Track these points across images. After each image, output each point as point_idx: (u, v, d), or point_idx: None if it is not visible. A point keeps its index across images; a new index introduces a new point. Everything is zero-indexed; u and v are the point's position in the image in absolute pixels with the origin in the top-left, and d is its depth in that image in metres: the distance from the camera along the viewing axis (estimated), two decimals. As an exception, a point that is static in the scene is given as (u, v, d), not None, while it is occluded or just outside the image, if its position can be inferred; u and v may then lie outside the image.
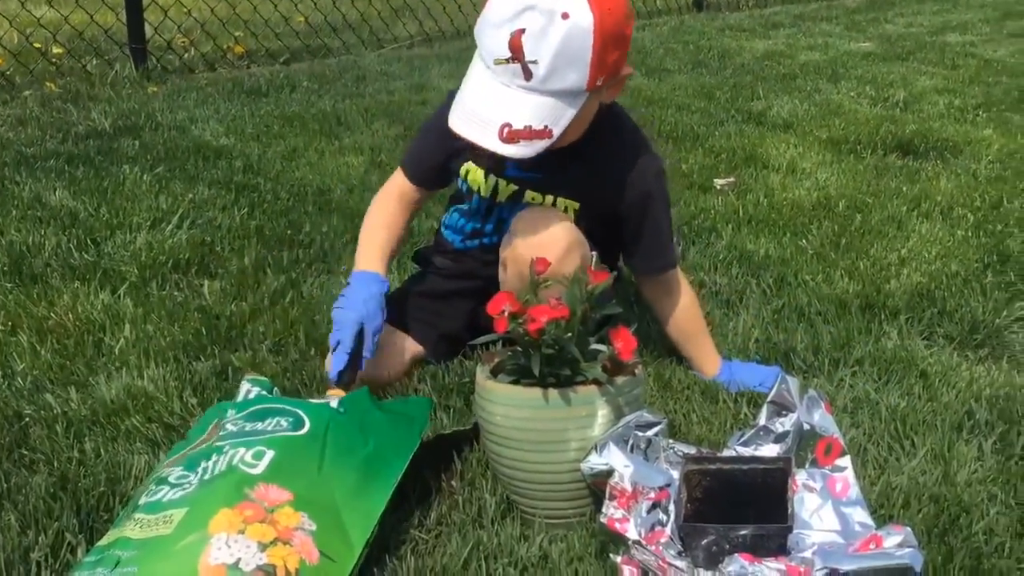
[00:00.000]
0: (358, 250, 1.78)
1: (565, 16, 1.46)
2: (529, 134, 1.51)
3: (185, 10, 4.86)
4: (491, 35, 1.51)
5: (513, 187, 1.72)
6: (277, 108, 3.75)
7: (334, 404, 1.43)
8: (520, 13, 1.47)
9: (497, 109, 1.51)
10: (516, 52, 1.48)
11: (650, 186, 1.73)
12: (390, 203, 1.84)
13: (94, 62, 4.28)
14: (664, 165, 1.79)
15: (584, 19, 1.47)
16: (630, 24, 1.56)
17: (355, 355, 1.63)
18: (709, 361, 1.80)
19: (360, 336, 1.63)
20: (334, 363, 1.63)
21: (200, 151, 3.13)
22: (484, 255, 1.81)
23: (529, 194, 1.72)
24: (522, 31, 1.47)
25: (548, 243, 1.60)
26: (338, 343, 1.62)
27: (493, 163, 1.71)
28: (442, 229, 1.90)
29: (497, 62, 1.50)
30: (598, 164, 1.69)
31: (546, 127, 1.51)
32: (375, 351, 1.66)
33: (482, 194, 1.74)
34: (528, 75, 1.49)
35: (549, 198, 1.71)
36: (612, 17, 1.50)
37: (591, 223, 1.71)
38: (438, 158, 1.78)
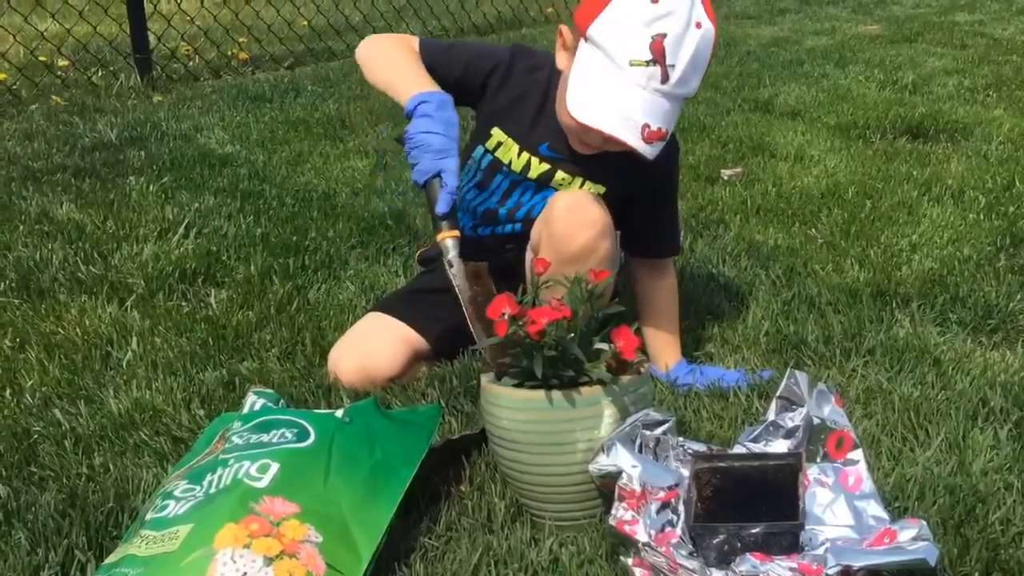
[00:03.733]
0: (398, 72, 1.64)
1: (699, 26, 1.55)
2: (659, 136, 1.57)
3: (188, 18, 4.86)
4: (628, 36, 1.54)
5: (546, 166, 1.73)
6: (282, 113, 3.75)
7: (339, 414, 1.42)
8: (659, 19, 1.53)
9: (638, 109, 1.55)
10: (658, 55, 1.53)
11: (671, 166, 1.80)
12: (414, 53, 1.70)
13: (99, 74, 4.30)
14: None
15: (710, 30, 1.57)
16: None
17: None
18: (670, 354, 1.80)
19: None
20: (444, 200, 1.54)
21: (205, 159, 3.13)
22: (496, 244, 1.81)
23: (560, 175, 1.73)
24: (663, 36, 1.52)
25: (589, 221, 1.63)
26: (440, 175, 1.53)
27: (526, 139, 1.73)
28: (459, 208, 1.88)
29: (634, 63, 1.54)
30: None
31: (668, 130, 1.59)
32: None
33: (514, 168, 1.74)
34: (665, 78, 1.54)
35: (578, 180, 1.73)
36: (717, 30, 1.59)
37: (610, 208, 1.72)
38: (473, 84, 1.72)
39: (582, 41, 1.59)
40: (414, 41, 1.75)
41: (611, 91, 1.55)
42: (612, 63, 1.55)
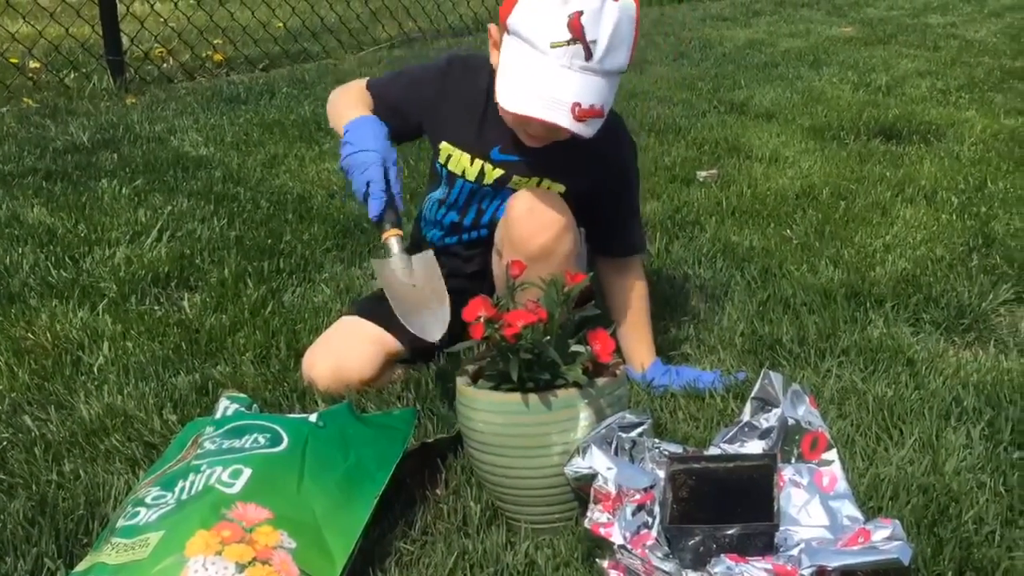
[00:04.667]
0: (339, 115, 1.73)
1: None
2: (592, 113, 1.55)
3: (161, 20, 4.82)
4: (545, 19, 1.53)
5: (499, 171, 1.73)
6: (257, 115, 3.73)
7: (313, 418, 1.41)
8: None
9: (565, 89, 1.53)
10: (576, 32, 1.52)
11: (628, 161, 1.81)
12: (360, 95, 1.79)
13: (71, 76, 4.25)
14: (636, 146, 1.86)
15: (629, 4, 1.56)
16: None
17: (388, 194, 1.63)
18: (644, 353, 1.80)
19: (386, 174, 1.63)
20: (372, 204, 1.62)
21: (179, 162, 3.11)
22: (464, 251, 1.81)
23: (516, 178, 1.73)
24: (580, 12, 1.51)
25: (547, 222, 1.63)
26: (367, 185, 1.61)
27: (477, 147, 1.73)
28: (421, 224, 1.88)
29: (555, 44, 1.53)
30: (582, 142, 1.68)
31: (602, 107, 1.57)
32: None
33: (468, 178, 1.74)
34: (588, 55, 1.53)
35: (535, 180, 1.73)
36: (638, 4, 1.59)
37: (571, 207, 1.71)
38: (415, 112, 1.77)
39: (505, 34, 1.59)
40: (362, 82, 1.83)
41: (536, 76, 1.54)
42: (534, 49, 1.54)
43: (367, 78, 1.83)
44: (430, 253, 1.67)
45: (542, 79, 1.54)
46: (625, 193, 1.81)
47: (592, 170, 1.71)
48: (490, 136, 1.71)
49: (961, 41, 5.11)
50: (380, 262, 1.66)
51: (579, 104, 1.53)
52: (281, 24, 5.27)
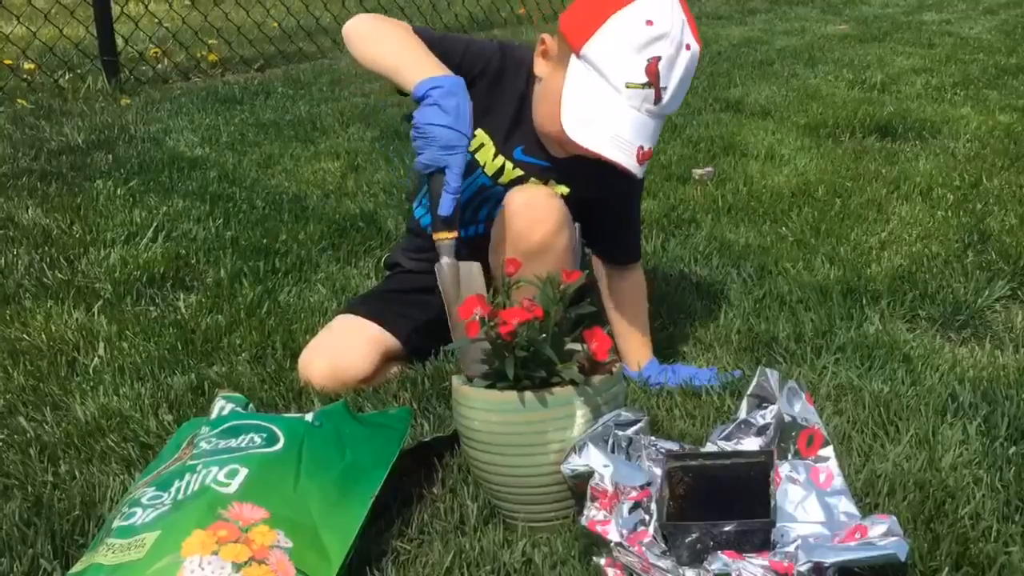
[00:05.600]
0: (405, 58, 1.54)
1: (688, 48, 1.56)
2: (650, 155, 1.59)
3: (156, 20, 4.82)
4: (624, 58, 1.54)
5: (518, 172, 1.73)
6: (252, 115, 3.72)
7: (309, 418, 1.40)
8: (653, 41, 1.53)
9: (634, 131, 1.56)
10: (652, 78, 1.54)
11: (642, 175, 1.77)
12: (414, 37, 1.62)
13: (66, 77, 4.24)
14: None
15: (696, 51, 1.59)
16: None
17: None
18: (642, 352, 1.80)
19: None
20: (446, 202, 1.48)
21: (174, 162, 3.10)
22: (460, 246, 1.80)
23: (533, 182, 1.73)
24: (658, 59, 1.53)
25: (544, 216, 1.63)
26: (442, 170, 1.47)
27: (502, 143, 1.72)
28: (415, 209, 1.87)
29: (630, 85, 1.54)
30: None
31: (653, 147, 1.60)
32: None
33: (487, 171, 1.74)
34: (658, 99, 1.55)
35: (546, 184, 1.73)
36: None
37: (571, 210, 1.72)
38: (464, 74, 1.57)
39: (573, 57, 1.58)
40: (405, 24, 1.68)
41: (607, 113, 1.55)
42: (608, 84, 1.55)
43: (408, 25, 1.65)
44: (477, 265, 1.57)
45: (613, 118, 1.55)
46: (631, 206, 1.83)
47: (607, 183, 1.71)
48: (517, 135, 1.71)
49: (956, 38, 5.12)
50: (443, 269, 1.53)
51: (643, 147, 1.56)
52: (276, 24, 5.26)
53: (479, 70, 1.68)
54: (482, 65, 1.68)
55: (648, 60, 1.53)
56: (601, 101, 1.56)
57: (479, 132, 1.72)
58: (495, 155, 1.73)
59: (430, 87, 1.49)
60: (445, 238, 1.55)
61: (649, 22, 1.53)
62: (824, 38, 5.17)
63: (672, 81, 1.55)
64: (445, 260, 1.56)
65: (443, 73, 1.53)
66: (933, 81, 4.10)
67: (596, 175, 1.68)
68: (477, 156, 1.73)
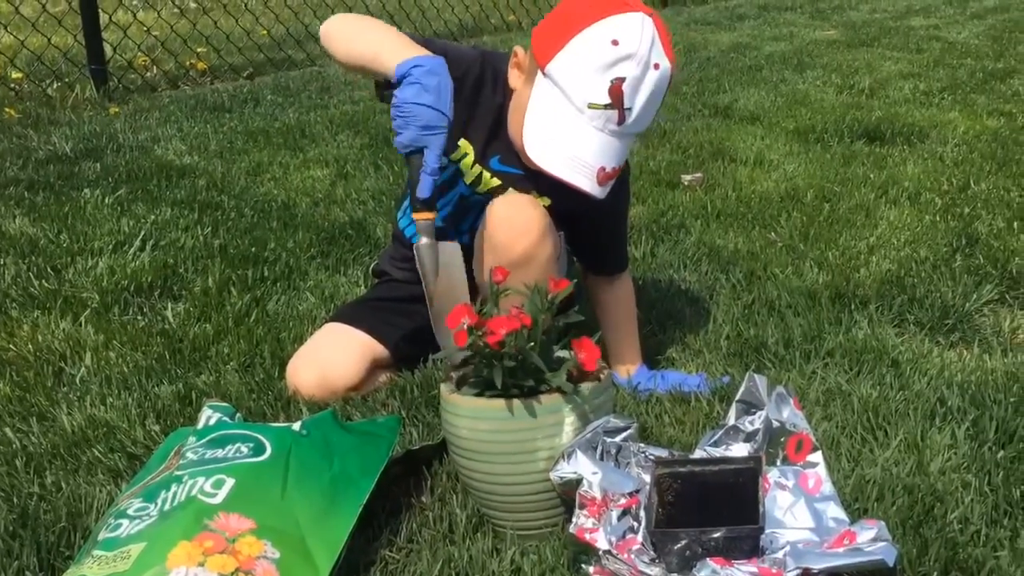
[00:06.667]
0: (385, 45, 1.53)
1: (656, 67, 1.53)
2: (613, 175, 1.56)
3: (145, 29, 4.81)
4: (587, 79, 1.51)
5: (496, 181, 1.72)
6: (241, 123, 3.72)
7: (296, 427, 1.40)
8: (618, 62, 1.50)
9: (594, 153, 1.54)
10: (616, 100, 1.52)
11: (625, 182, 1.78)
12: (394, 31, 1.63)
13: (54, 85, 4.23)
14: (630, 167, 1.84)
15: (666, 70, 1.55)
16: None
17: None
18: (631, 359, 1.80)
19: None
20: (424, 184, 1.48)
21: (163, 171, 3.09)
22: None
23: (511, 192, 1.72)
24: (622, 80, 1.50)
25: (526, 227, 1.62)
26: (420, 151, 1.46)
27: (480, 151, 1.71)
28: (400, 219, 1.86)
29: (592, 106, 1.52)
30: None
31: (619, 168, 1.58)
32: None
33: (465, 180, 1.73)
34: (621, 120, 1.53)
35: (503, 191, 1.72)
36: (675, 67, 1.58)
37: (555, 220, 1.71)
38: (455, 71, 1.57)
39: (539, 75, 1.56)
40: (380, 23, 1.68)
41: (567, 133, 1.53)
42: (569, 103, 1.53)
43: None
44: (456, 244, 1.56)
45: (573, 138, 1.53)
46: (612, 214, 1.79)
47: (584, 197, 1.70)
48: (494, 145, 1.70)
49: (943, 43, 5.14)
50: (444, 244, 1.53)
51: (604, 168, 1.54)
52: (265, 32, 5.26)
53: (460, 74, 1.65)
54: (463, 70, 1.65)
55: (612, 81, 1.50)
56: (562, 120, 1.53)
57: (462, 142, 1.71)
58: (473, 163, 1.72)
59: (412, 66, 1.47)
60: (424, 218, 1.54)
61: (615, 42, 1.50)
62: (812, 43, 5.19)
63: (637, 102, 1.52)
64: (424, 240, 1.55)
65: (424, 54, 1.51)
66: (921, 86, 4.12)
67: (571, 190, 1.67)
68: (462, 165, 1.73)
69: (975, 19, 5.97)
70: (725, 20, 6.12)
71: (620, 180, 1.77)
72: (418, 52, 1.52)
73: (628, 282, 1.85)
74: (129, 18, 4.93)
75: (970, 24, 5.77)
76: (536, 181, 1.70)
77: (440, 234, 1.79)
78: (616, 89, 1.50)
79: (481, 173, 1.72)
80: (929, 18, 6.04)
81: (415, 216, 1.55)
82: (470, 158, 1.72)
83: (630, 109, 1.52)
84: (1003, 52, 4.86)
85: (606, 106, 1.51)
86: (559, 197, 1.71)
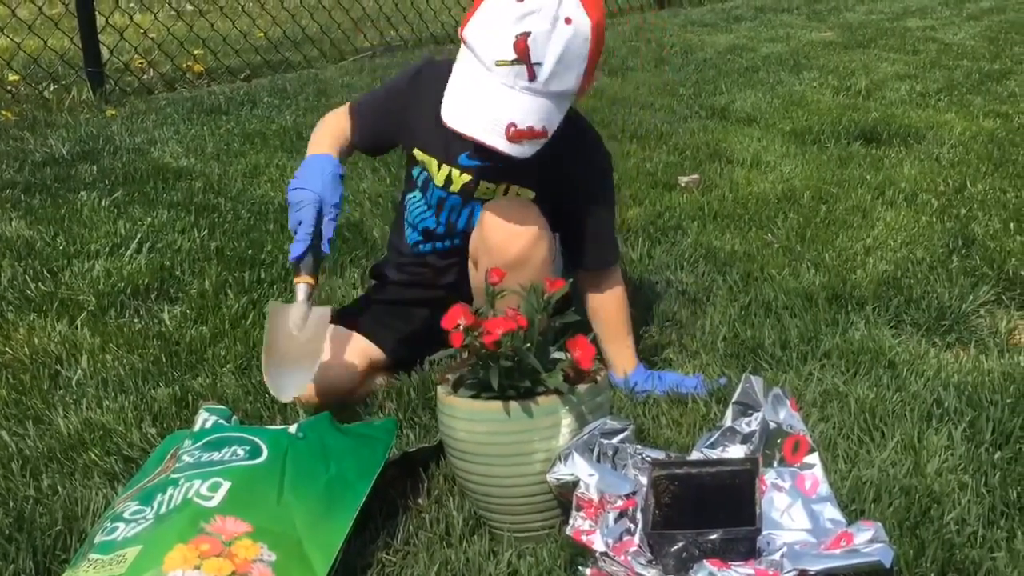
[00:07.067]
0: (310, 145, 1.77)
1: (568, 21, 1.52)
2: (531, 134, 1.54)
3: (141, 31, 4.80)
4: (493, 37, 1.52)
5: (467, 176, 1.73)
6: (238, 126, 3.71)
7: (292, 429, 1.40)
8: (524, 17, 1.50)
9: (503, 109, 1.53)
10: (521, 54, 1.51)
11: (602, 168, 1.79)
12: (337, 122, 1.82)
13: (51, 88, 4.23)
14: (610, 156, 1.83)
15: (584, 25, 1.53)
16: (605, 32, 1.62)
17: (316, 238, 1.64)
18: (626, 359, 1.78)
19: (320, 217, 1.63)
20: (295, 246, 1.62)
21: (159, 173, 3.09)
22: (439, 260, 1.80)
23: (483, 185, 1.72)
24: (527, 34, 1.50)
25: (521, 229, 1.63)
26: (299, 223, 1.62)
27: (445, 152, 1.72)
28: (405, 222, 1.87)
29: (500, 63, 1.52)
30: (553, 151, 1.67)
31: (544, 128, 1.55)
32: (332, 238, 1.67)
33: (436, 183, 1.75)
34: (532, 76, 1.52)
35: (503, 186, 1.73)
36: (601, 25, 1.57)
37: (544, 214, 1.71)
38: (391, 124, 1.79)
39: (463, 44, 1.59)
40: (346, 107, 1.84)
41: (477, 93, 1.54)
42: (481, 64, 1.54)
43: (349, 108, 1.84)
44: (328, 309, 1.68)
45: (482, 96, 1.54)
46: (596, 206, 1.78)
47: (561, 181, 1.71)
48: (457, 144, 1.69)
49: (940, 44, 5.15)
50: (276, 306, 1.69)
51: (515, 124, 1.52)
52: (262, 34, 5.25)
53: (402, 100, 1.77)
54: (401, 95, 1.77)
55: (517, 36, 1.50)
56: (473, 81, 1.55)
57: (416, 152, 1.76)
58: (439, 166, 1.74)
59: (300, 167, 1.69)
60: (300, 281, 1.66)
61: None
62: (809, 45, 5.19)
63: (548, 56, 1.51)
64: (299, 298, 1.66)
65: (313, 153, 1.72)
66: (917, 87, 4.12)
67: (541, 169, 1.67)
68: (427, 172, 1.76)
69: (971, 20, 5.98)
70: (722, 22, 6.12)
71: (596, 157, 1.76)
72: (314, 150, 1.73)
73: (619, 282, 1.82)
74: (126, 20, 4.93)
75: (966, 25, 5.78)
76: (510, 172, 1.70)
77: (429, 235, 1.80)
78: (520, 44, 1.50)
79: (450, 172, 1.73)
80: (925, 19, 6.05)
81: (296, 279, 1.67)
82: (431, 164, 1.74)
83: (539, 64, 1.51)
84: (999, 53, 4.86)
85: (513, 62, 1.51)
86: (539, 184, 1.71)
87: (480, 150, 1.66)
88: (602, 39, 1.58)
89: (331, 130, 1.80)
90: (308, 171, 1.67)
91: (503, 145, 1.54)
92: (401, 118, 1.77)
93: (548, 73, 1.52)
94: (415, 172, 1.79)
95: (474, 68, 1.55)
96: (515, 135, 1.53)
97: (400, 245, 1.87)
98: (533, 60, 1.51)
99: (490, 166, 1.70)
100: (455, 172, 1.73)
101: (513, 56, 1.51)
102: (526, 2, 1.50)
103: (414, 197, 1.81)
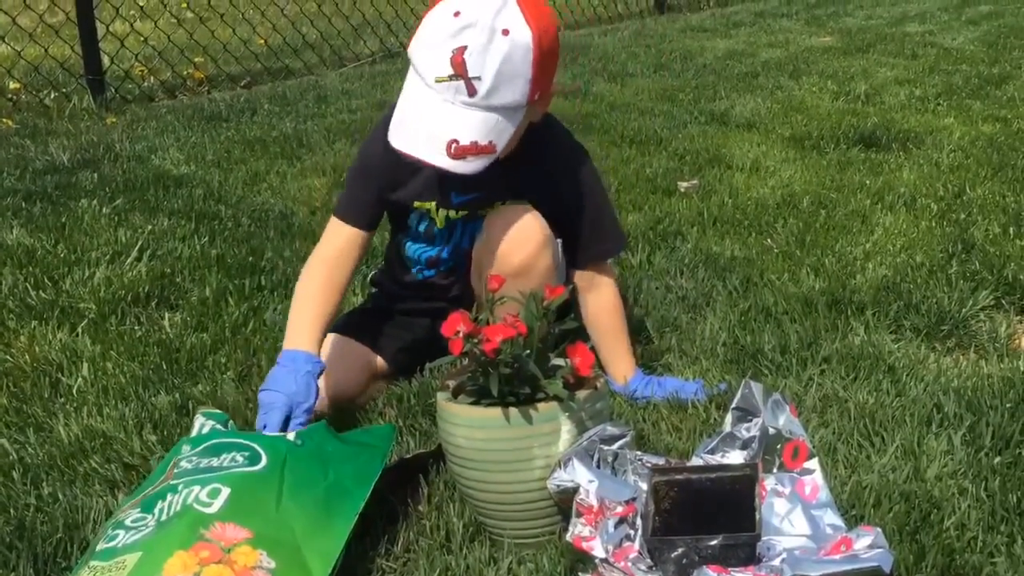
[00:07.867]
0: (288, 325, 1.67)
1: (506, 33, 1.49)
2: (475, 150, 1.51)
3: (142, 39, 4.81)
4: (430, 54, 1.51)
5: (464, 212, 1.73)
6: (238, 133, 3.72)
7: (291, 436, 1.40)
8: (460, 31, 1.48)
9: (442, 126, 1.50)
10: (458, 69, 1.49)
11: (582, 165, 1.75)
12: (323, 270, 1.71)
13: (51, 96, 4.24)
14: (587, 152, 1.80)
15: (523, 36, 1.50)
16: (558, 41, 1.59)
17: None
18: (625, 365, 1.77)
19: (288, 420, 1.53)
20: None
21: (160, 181, 3.10)
22: (443, 280, 1.81)
23: (481, 212, 1.72)
24: (463, 48, 1.48)
25: (526, 237, 1.63)
26: (264, 427, 1.52)
27: (441, 195, 1.71)
28: (400, 262, 1.85)
29: (438, 80, 1.50)
30: (529, 161, 1.68)
31: (490, 142, 1.52)
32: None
33: (439, 226, 1.74)
34: (472, 91, 1.50)
35: (498, 205, 1.72)
36: (548, 35, 1.53)
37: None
38: (372, 194, 1.73)
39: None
40: (337, 232, 1.72)
41: (418, 110, 1.52)
42: (422, 81, 1.52)
43: (335, 216, 1.74)
44: None
45: (423, 115, 1.52)
46: (587, 197, 1.75)
47: (545, 186, 1.70)
48: (446, 184, 1.68)
49: (939, 49, 5.15)
50: None
51: (457, 141, 1.50)
52: (262, 41, 5.27)
53: (381, 168, 1.69)
54: (382, 163, 1.68)
55: (453, 51, 1.47)
56: (416, 99, 1.52)
57: (418, 204, 1.72)
58: (436, 209, 1.73)
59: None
60: None
61: (456, 13, 1.49)
62: (808, 50, 5.20)
63: (487, 70, 1.48)
64: None
65: (291, 348, 1.61)
66: (916, 92, 4.12)
67: (527, 182, 1.67)
68: (428, 219, 1.74)
69: (970, 25, 5.98)
70: (721, 27, 6.13)
71: (574, 164, 1.74)
72: (288, 346, 1.61)
73: (614, 288, 1.81)
74: (126, 28, 4.94)
75: (965, 30, 5.78)
76: (499, 191, 1.69)
77: (433, 263, 1.80)
78: (457, 58, 1.48)
79: (447, 215, 1.73)
80: (924, 24, 6.06)
81: None
82: (434, 209, 1.73)
83: (478, 78, 1.48)
84: (998, 58, 4.87)
85: (451, 77, 1.48)
86: (529, 196, 1.70)
87: (466, 181, 1.62)
88: (551, 47, 1.54)
89: (312, 293, 1.69)
90: (281, 372, 1.56)
91: (445, 163, 1.51)
92: (390, 178, 1.71)
93: (488, 87, 1.49)
94: (411, 220, 1.77)
95: (416, 86, 1.53)
96: (458, 151, 1.50)
97: (400, 277, 1.86)
98: (471, 74, 1.48)
99: (481, 196, 1.69)
100: (452, 213, 1.72)
101: (451, 71, 1.48)
102: (462, 16, 1.48)
103: (410, 243, 1.80)
